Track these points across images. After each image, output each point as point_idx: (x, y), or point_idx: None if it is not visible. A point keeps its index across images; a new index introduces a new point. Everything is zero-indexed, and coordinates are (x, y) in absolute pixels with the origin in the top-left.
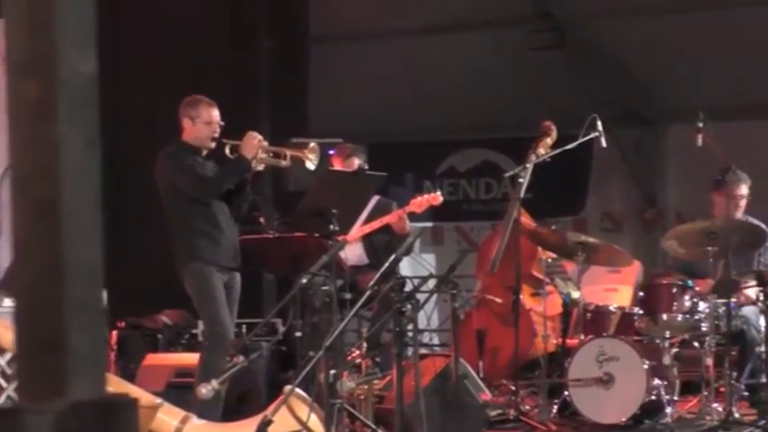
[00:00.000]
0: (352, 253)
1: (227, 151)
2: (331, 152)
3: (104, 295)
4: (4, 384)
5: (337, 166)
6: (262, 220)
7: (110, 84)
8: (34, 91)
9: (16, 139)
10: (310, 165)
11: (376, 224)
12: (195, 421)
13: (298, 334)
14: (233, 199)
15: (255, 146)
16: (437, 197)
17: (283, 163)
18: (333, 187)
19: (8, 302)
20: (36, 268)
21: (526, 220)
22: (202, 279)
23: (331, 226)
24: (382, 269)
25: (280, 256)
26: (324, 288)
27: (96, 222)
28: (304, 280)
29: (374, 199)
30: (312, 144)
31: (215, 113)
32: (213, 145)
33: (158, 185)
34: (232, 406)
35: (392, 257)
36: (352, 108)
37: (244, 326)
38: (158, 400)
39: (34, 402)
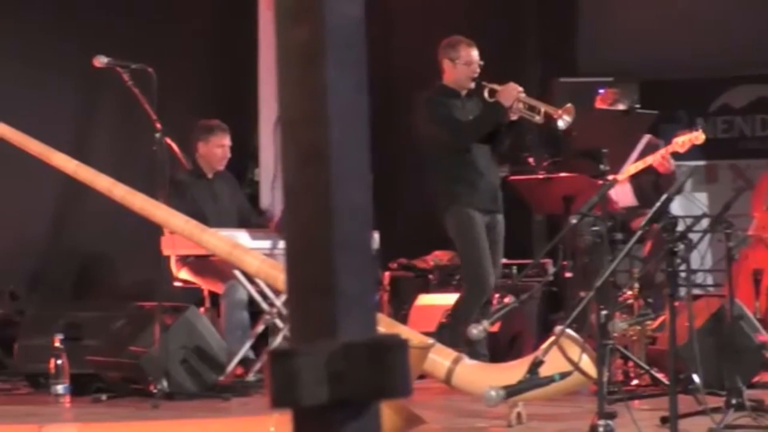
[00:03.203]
0: (623, 194)
1: (486, 93)
2: (600, 91)
3: (375, 237)
4: (280, 324)
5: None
6: (531, 160)
7: (377, 26)
8: (301, 36)
9: (285, 85)
10: (562, 124)
11: (640, 165)
12: (467, 361)
13: (569, 274)
14: (493, 140)
15: (513, 96)
16: (699, 136)
17: (537, 118)
18: (603, 126)
19: (282, 245)
20: (305, 212)
21: None
22: (462, 222)
23: (602, 166)
24: (654, 208)
25: (549, 196)
26: (594, 228)
27: (365, 165)
28: (574, 221)
29: (644, 138)
30: (568, 105)
31: (474, 53)
32: (472, 85)
33: (417, 130)
34: (503, 347)
35: (664, 196)
36: (622, 45)
37: (514, 267)
38: (430, 341)
39: (305, 343)
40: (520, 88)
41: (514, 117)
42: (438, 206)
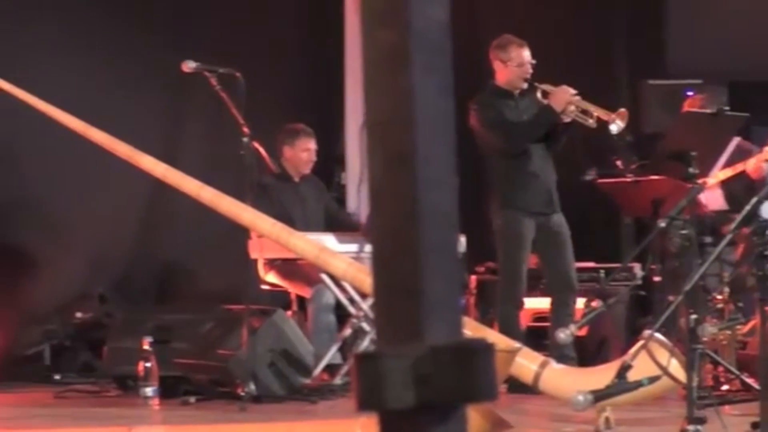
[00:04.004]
0: (712, 198)
1: (539, 94)
2: (689, 93)
3: (462, 240)
4: (367, 328)
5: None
6: (619, 163)
7: (464, 31)
8: (387, 40)
9: (371, 88)
10: (615, 129)
11: (732, 170)
12: (554, 365)
13: (657, 278)
14: (548, 139)
15: (565, 100)
16: None
17: (590, 121)
18: (692, 128)
19: (369, 248)
20: (391, 215)
21: None
22: (507, 226)
23: (690, 169)
24: (744, 211)
25: (638, 199)
26: (683, 232)
27: (450, 169)
28: (663, 224)
29: (734, 141)
30: (622, 109)
31: (526, 54)
32: (525, 85)
33: (472, 132)
34: (591, 352)
35: (754, 199)
36: (711, 46)
37: (602, 271)
38: (517, 345)
39: (391, 347)
40: (573, 91)
41: (567, 120)
42: (490, 205)
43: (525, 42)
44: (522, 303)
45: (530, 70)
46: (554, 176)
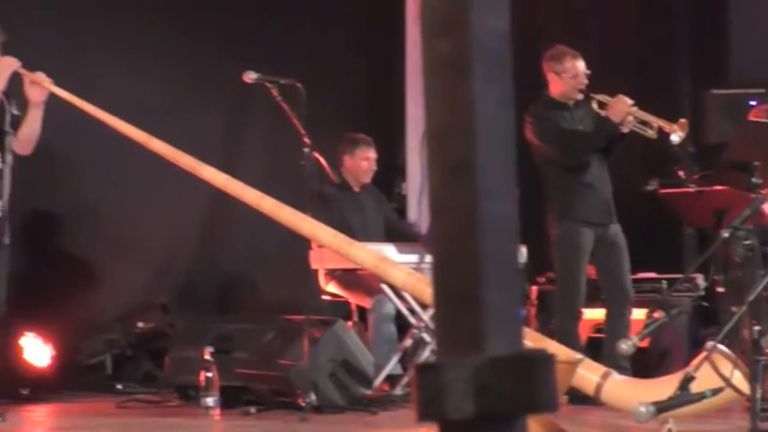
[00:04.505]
0: None
1: (595, 105)
2: (753, 103)
3: (523, 251)
4: (427, 338)
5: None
6: (681, 173)
7: (525, 40)
8: (447, 50)
9: (431, 98)
10: (675, 139)
11: None
12: (616, 376)
13: (720, 289)
14: (605, 149)
15: (623, 111)
16: None
17: (649, 132)
18: (755, 138)
19: (429, 259)
20: (451, 225)
21: None
22: (565, 238)
23: (753, 179)
24: None
25: (700, 209)
26: (746, 242)
27: (511, 179)
28: (726, 234)
29: None
30: (682, 120)
31: (580, 65)
32: (581, 96)
33: (528, 145)
34: (654, 363)
35: None
36: None
37: (664, 281)
38: (578, 356)
39: (451, 357)
40: (630, 101)
41: (625, 130)
42: (548, 218)
43: (578, 53)
44: (581, 314)
45: (585, 81)
46: (610, 186)
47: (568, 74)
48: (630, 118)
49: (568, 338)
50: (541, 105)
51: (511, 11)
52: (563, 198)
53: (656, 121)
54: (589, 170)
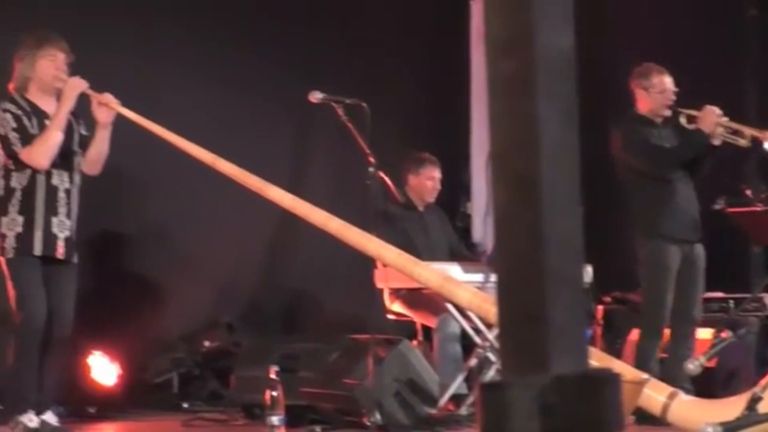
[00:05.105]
0: None
1: (683, 120)
2: None
3: (588, 270)
4: (492, 358)
5: None
6: (749, 192)
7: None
8: (512, 68)
9: (495, 116)
10: None
11: None
12: (683, 397)
13: None
14: (693, 165)
15: (713, 122)
16: None
17: (741, 142)
18: None
19: (494, 278)
20: (516, 243)
21: None
22: (653, 255)
23: None
24: None
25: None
26: None
27: (575, 197)
28: None
29: None
30: None
31: (668, 81)
32: (668, 113)
33: (615, 160)
34: (721, 383)
35: None
36: None
37: (731, 301)
38: (645, 376)
39: (516, 376)
40: (719, 112)
41: (716, 142)
42: (636, 235)
43: (665, 69)
44: (663, 334)
45: (672, 97)
46: (697, 204)
47: (656, 89)
48: (720, 129)
49: (646, 357)
50: (629, 120)
51: (582, 28)
52: (652, 214)
53: (748, 130)
54: (678, 186)
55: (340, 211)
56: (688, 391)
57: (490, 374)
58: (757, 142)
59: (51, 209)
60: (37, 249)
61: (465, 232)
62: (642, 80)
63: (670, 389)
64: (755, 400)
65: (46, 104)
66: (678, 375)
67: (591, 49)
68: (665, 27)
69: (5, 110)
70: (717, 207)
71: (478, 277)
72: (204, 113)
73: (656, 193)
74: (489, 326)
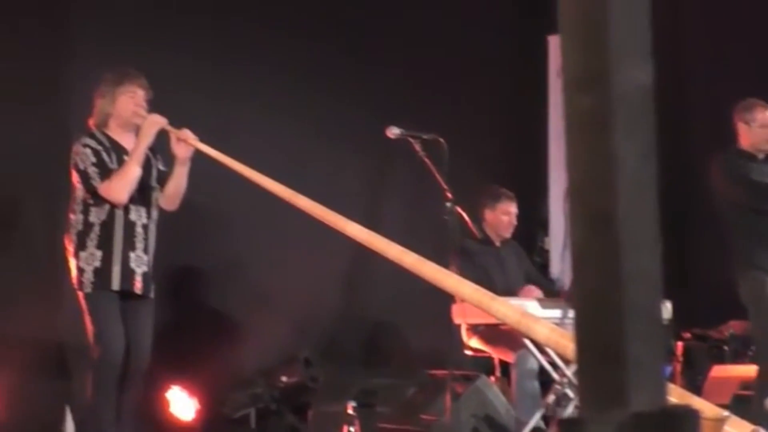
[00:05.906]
0: None
1: None
2: None
3: (668, 305)
4: (570, 394)
5: None
6: None
7: (672, 91)
8: (589, 104)
9: (573, 152)
10: None
11: None
12: None
13: None
14: None
15: None
16: None
17: None
18: None
19: (572, 314)
20: (594, 279)
21: None
22: (756, 288)
23: None
24: None
25: None
26: None
27: (653, 233)
28: None
29: None
30: None
31: None
32: None
33: (714, 193)
34: None
35: None
36: None
37: None
38: (725, 413)
39: (594, 412)
40: None
41: None
42: (735, 270)
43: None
44: None
45: None
46: None
47: (757, 123)
48: None
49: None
50: (730, 154)
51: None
52: (748, 248)
53: None
54: None
55: (416, 246)
56: None
57: (568, 410)
58: None
59: (129, 244)
60: (115, 284)
61: (543, 267)
62: (744, 114)
63: (751, 427)
64: None
65: (126, 140)
66: (764, 412)
67: (674, 83)
68: (757, 54)
69: (85, 145)
70: None
71: (556, 312)
72: (279, 150)
73: (756, 225)
74: (567, 362)
